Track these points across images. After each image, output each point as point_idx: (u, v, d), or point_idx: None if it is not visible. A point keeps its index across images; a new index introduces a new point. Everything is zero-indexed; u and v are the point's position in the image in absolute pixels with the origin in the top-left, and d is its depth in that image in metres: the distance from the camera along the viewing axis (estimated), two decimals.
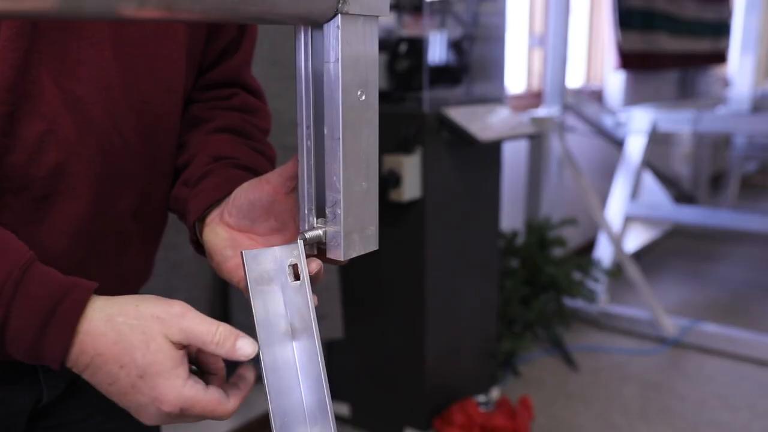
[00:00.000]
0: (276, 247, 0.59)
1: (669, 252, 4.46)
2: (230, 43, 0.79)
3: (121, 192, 0.68)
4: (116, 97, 0.64)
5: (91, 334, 0.53)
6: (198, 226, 0.69)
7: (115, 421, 0.80)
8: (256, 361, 0.56)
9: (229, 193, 0.66)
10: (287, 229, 0.64)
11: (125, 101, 0.65)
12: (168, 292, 1.65)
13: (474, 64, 2.44)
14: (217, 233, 0.66)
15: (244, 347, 0.55)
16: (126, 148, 0.67)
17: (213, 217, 0.67)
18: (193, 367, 0.58)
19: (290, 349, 0.57)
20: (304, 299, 0.58)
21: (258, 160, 0.74)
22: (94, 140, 0.63)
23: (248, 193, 0.64)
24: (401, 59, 2.16)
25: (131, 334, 0.53)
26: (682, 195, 4.82)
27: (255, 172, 0.71)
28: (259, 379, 0.57)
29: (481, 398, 2.27)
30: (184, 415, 0.55)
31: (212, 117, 0.78)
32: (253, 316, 0.56)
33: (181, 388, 0.53)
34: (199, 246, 0.70)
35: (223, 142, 0.75)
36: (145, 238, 0.75)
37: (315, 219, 0.58)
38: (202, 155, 0.73)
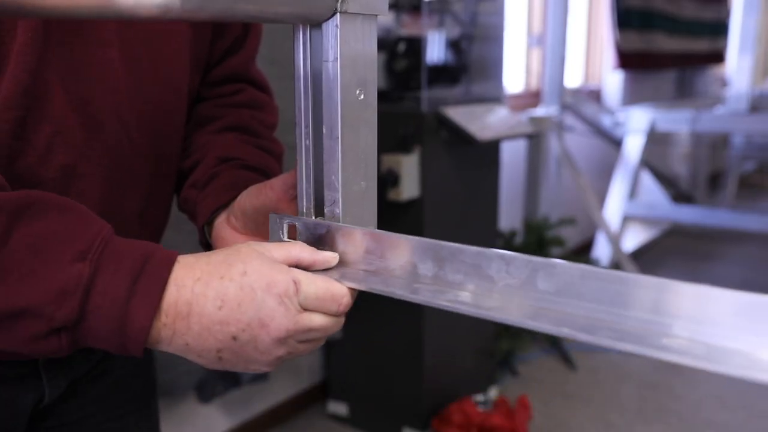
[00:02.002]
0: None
1: (667, 251, 4.46)
2: (236, 41, 0.79)
3: (129, 193, 0.68)
4: (123, 98, 0.64)
5: (184, 266, 0.51)
6: (207, 228, 0.70)
7: (115, 421, 0.80)
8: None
9: (237, 195, 0.67)
10: None
11: (131, 102, 0.65)
12: None
13: (472, 63, 2.44)
14: (224, 237, 0.66)
15: (326, 254, 0.55)
16: (133, 149, 0.67)
17: (221, 221, 0.68)
18: None
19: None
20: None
21: (265, 159, 0.75)
22: (101, 142, 0.63)
23: (252, 198, 0.64)
24: (400, 59, 2.16)
25: (218, 253, 0.53)
26: (680, 194, 4.82)
27: (262, 172, 0.72)
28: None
29: (479, 398, 2.27)
30: (306, 300, 0.51)
31: (219, 115, 0.78)
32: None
33: (285, 266, 0.52)
34: (208, 248, 0.70)
35: (230, 143, 0.75)
36: (149, 239, 0.75)
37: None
38: (209, 157, 0.73)
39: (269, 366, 0.53)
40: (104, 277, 0.49)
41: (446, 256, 0.50)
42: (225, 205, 0.68)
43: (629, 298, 0.42)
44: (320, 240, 0.56)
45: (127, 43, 0.64)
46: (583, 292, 0.44)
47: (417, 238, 0.51)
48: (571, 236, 3.59)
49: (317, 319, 0.52)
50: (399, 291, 0.51)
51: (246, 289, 0.50)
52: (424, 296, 0.50)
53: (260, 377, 2.05)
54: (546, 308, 0.45)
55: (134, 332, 0.49)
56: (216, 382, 1.96)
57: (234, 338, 0.51)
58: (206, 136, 0.77)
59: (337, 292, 0.53)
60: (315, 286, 0.52)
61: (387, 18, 2.25)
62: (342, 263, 0.55)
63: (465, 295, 0.48)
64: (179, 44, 0.70)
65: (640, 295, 0.41)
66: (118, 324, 0.49)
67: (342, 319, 0.54)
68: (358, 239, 0.54)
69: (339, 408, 2.38)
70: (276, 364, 0.53)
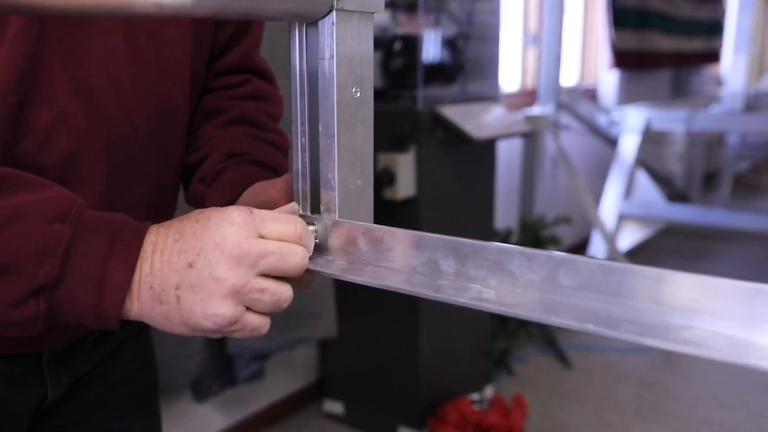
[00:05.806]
0: None
1: (662, 250, 4.47)
2: (240, 27, 0.79)
3: (134, 182, 0.68)
4: (126, 86, 0.64)
5: (156, 229, 0.53)
6: None
7: (117, 420, 0.80)
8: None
9: (244, 191, 0.67)
10: None
11: (135, 90, 0.65)
12: None
13: (469, 62, 2.44)
14: None
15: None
16: (137, 137, 0.67)
17: None
18: None
19: None
20: None
21: (272, 154, 0.75)
22: (104, 129, 0.63)
23: (256, 196, 0.65)
24: (396, 57, 2.16)
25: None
26: (675, 194, 4.83)
27: (269, 167, 0.72)
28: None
29: (475, 397, 2.27)
30: (262, 222, 0.52)
31: (226, 107, 0.78)
32: None
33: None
34: None
35: (237, 137, 0.75)
36: None
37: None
38: (217, 152, 0.74)
39: (226, 306, 0.51)
40: (84, 239, 0.50)
41: (468, 253, 0.50)
42: (232, 200, 0.68)
43: (649, 292, 0.42)
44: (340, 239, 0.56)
45: (129, 31, 0.64)
46: (604, 287, 0.44)
47: (438, 235, 0.51)
48: (566, 235, 3.60)
49: (272, 245, 0.52)
50: (423, 290, 0.51)
51: (201, 221, 0.52)
52: (447, 294, 0.50)
53: (256, 376, 2.05)
54: (568, 304, 0.45)
55: (112, 292, 0.50)
56: (211, 380, 1.96)
57: (190, 266, 0.50)
58: (213, 130, 0.77)
59: (302, 230, 0.54)
60: (279, 223, 0.53)
61: (383, 16, 2.25)
62: (363, 261, 0.55)
63: (488, 293, 0.48)
64: (182, 32, 0.70)
65: (659, 289, 0.42)
66: (97, 284, 0.50)
67: (301, 251, 0.53)
68: (380, 237, 0.54)
69: (335, 407, 2.38)
70: (235, 305, 0.51)
